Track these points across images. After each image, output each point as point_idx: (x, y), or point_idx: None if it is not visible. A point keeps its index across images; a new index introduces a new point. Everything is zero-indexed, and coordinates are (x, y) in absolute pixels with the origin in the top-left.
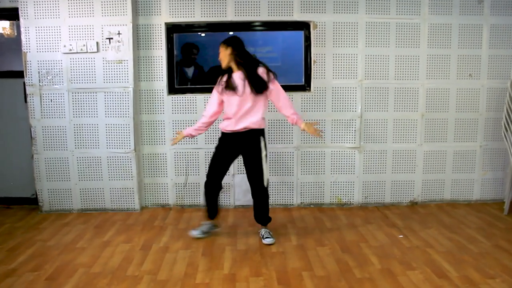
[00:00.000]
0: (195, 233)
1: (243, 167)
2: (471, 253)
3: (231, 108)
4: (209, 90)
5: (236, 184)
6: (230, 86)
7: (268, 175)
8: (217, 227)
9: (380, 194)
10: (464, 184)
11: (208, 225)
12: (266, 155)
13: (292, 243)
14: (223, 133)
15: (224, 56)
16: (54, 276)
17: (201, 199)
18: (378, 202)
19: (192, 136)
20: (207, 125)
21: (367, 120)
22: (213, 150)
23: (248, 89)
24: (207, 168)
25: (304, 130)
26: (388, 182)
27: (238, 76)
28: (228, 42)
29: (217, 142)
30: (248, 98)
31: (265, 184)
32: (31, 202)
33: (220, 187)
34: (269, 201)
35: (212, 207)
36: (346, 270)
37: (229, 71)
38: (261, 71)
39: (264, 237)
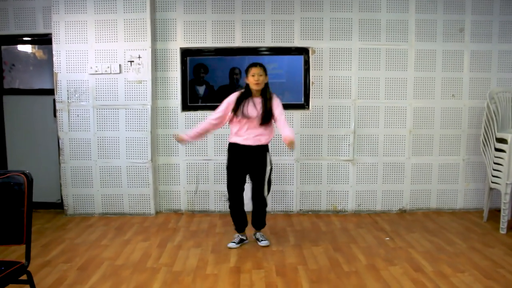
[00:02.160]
0: (231, 245)
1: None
2: (447, 252)
3: (241, 129)
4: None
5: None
6: (245, 114)
7: (269, 187)
8: (246, 239)
9: (372, 202)
10: (448, 194)
11: (238, 238)
12: (271, 169)
13: (290, 243)
14: (231, 145)
15: (263, 81)
16: (84, 267)
17: (210, 206)
18: (370, 209)
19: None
20: (205, 129)
21: (360, 135)
22: (224, 163)
23: (260, 117)
24: (216, 177)
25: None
26: (379, 192)
27: (257, 102)
28: (266, 70)
29: (226, 156)
30: (258, 124)
31: (265, 194)
32: (57, 207)
33: (242, 202)
34: (271, 208)
35: (240, 222)
36: (336, 265)
37: (247, 94)
38: (277, 101)
39: (260, 240)
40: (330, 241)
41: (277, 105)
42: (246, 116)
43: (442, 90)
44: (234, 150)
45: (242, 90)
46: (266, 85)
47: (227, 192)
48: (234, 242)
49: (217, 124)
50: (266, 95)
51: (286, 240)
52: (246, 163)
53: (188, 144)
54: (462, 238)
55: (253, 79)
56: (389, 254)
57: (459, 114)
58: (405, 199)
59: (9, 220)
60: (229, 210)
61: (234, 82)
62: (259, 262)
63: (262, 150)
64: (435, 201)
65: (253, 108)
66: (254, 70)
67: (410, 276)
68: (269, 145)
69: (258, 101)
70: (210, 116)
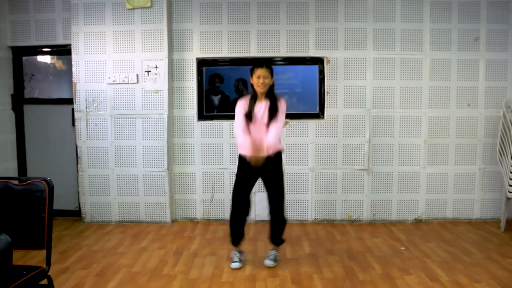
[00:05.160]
0: (235, 265)
1: (263, 185)
2: (464, 262)
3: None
4: (234, 117)
5: (257, 201)
6: (250, 116)
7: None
8: (243, 252)
9: (387, 211)
10: (464, 203)
11: (237, 255)
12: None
13: (305, 252)
14: (242, 157)
15: (268, 84)
16: (101, 273)
17: (225, 215)
18: (385, 219)
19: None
20: (249, 139)
21: (375, 144)
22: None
23: (266, 119)
24: (231, 186)
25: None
26: (394, 201)
27: (263, 105)
28: (272, 72)
29: (236, 167)
30: (264, 127)
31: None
32: (74, 214)
33: (247, 213)
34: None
35: (239, 234)
36: (351, 274)
37: (254, 97)
38: (282, 103)
39: (269, 257)
40: (345, 250)
41: (280, 107)
42: (251, 117)
43: (457, 99)
44: (245, 162)
45: (250, 94)
46: (271, 87)
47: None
48: (236, 262)
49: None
50: (272, 96)
51: (301, 248)
52: (258, 173)
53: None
54: (479, 248)
55: (258, 81)
56: (404, 263)
57: (474, 123)
58: (421, 208)
59: (31, 225)
60: (229, 220)
61: (242, 94)
62: (275, 271)
63: (276, 158)
64: (451, 210)
65: (261, 109)
66: (260, 72)
67: (426, 286)
68: (283, 154)
69: (262, 104)
70: (239, 129)
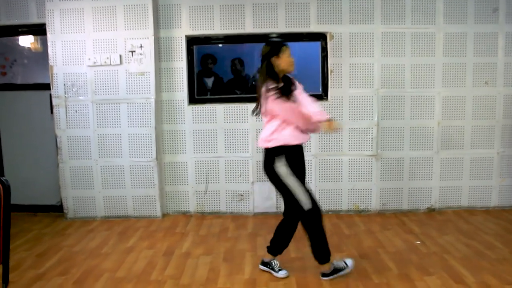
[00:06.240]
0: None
1: (262, 175)
2: (489, 259)
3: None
4: (228, 100)
5: (255, 191)
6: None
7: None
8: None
9: (397, 201)
10: (481, 190)
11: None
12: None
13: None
14: (289, 148)
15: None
16: (81, 280)
17: (220, 207)
18: (395, 208)
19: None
20: None
21: (384, 128)
22: (235, 160)
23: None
24: (227, 176)
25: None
26: (406, 189)
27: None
28: None
29: (279, 162)
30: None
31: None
32: (56, 210)
33: None
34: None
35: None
36: (364, 276)
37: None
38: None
39: (277, 269)
40: (354, 246)
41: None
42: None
43: (474, 77)
44: (294, 152)
45: (272, 81)
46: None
47: (305, 201)
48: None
49: None
50: (287, 80)
51: (305, 245)
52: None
53: None
54: (502, 241)
55: (290, 60)
56: (422, 261)
57: (493, 103)
58: (434, 197)
59: None
60: (317, 229)
61: (239, 75)
62: None
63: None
64: (467, 198)
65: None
66: (289, 50)
67: None
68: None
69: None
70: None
